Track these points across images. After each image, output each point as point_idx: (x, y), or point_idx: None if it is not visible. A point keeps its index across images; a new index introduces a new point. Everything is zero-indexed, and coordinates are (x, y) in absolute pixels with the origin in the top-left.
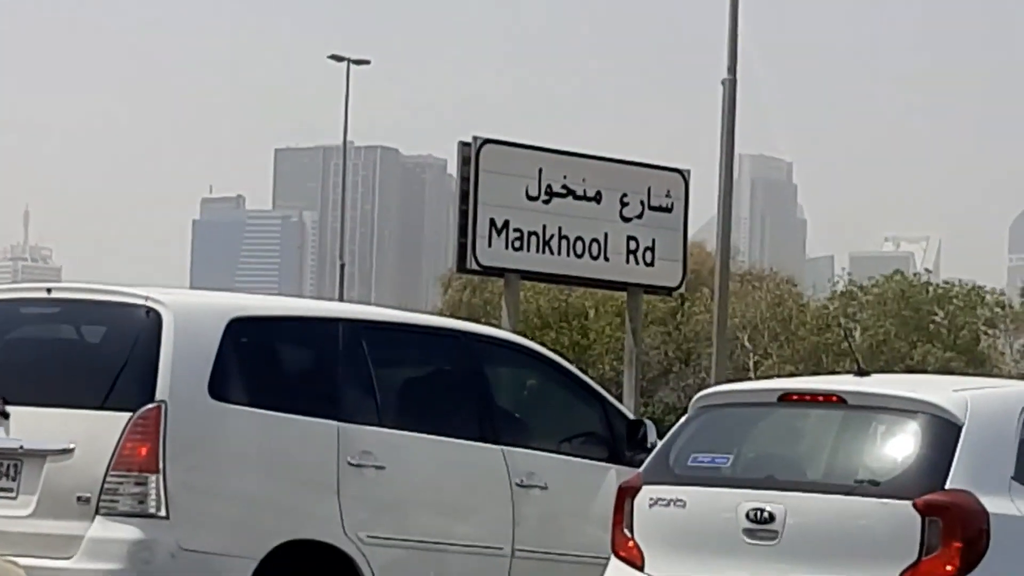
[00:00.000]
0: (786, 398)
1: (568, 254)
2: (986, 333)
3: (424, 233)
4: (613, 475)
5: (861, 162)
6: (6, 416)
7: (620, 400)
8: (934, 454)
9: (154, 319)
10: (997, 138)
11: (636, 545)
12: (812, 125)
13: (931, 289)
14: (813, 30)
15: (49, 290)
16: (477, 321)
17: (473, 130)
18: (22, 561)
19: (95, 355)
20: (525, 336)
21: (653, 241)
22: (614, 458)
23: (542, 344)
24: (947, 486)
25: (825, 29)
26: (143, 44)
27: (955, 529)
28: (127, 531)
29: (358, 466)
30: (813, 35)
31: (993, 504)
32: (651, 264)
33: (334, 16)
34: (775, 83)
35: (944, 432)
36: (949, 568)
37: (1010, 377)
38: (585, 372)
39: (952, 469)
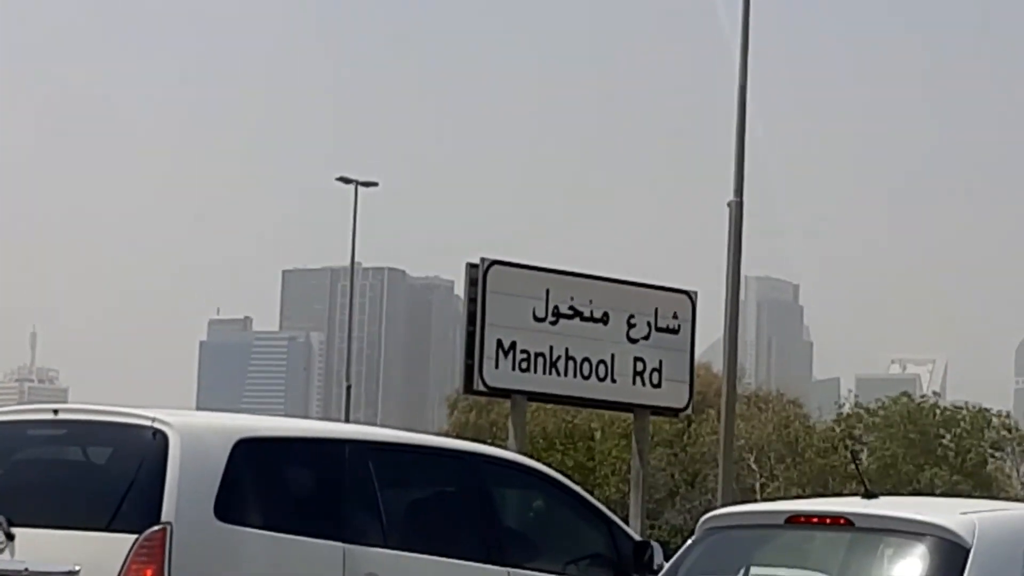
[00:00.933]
0: (793, 520)
1: (575, 375)
2: (993, 456)
3: (430, 354)
4: None
5: (867, 285)
6: (12, 538)
7: (626, 522)
8: None
9: (160, 440)
10: (1003, 261)
11: None
12: (817, 248)
13: (938, 412)
14: (816, 150)
15: (56, 411)
16: (483, 442)
17: (481, 251)
18: None
19: (101, 476)
20: (531, 457)
21: (660, 362)
22: None
23: (548, 465)
24: None
25: (829, 150)
26: (148, 166)
27: None
28: None
29: None
30: (817, 155)
31: None
32: (658, 385)
33: (342, 138)
34: (785, 205)
35: (952, 555)
36: None
37: (1017, 500)
38: (591, 493)
39: None
